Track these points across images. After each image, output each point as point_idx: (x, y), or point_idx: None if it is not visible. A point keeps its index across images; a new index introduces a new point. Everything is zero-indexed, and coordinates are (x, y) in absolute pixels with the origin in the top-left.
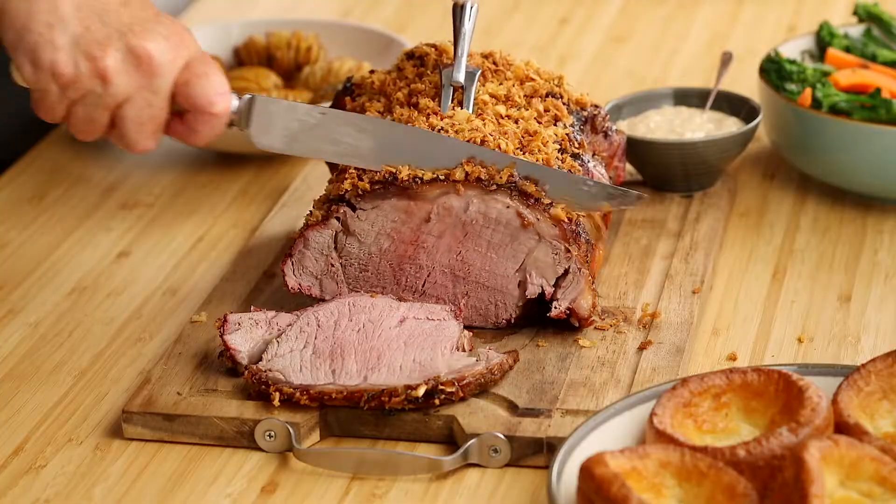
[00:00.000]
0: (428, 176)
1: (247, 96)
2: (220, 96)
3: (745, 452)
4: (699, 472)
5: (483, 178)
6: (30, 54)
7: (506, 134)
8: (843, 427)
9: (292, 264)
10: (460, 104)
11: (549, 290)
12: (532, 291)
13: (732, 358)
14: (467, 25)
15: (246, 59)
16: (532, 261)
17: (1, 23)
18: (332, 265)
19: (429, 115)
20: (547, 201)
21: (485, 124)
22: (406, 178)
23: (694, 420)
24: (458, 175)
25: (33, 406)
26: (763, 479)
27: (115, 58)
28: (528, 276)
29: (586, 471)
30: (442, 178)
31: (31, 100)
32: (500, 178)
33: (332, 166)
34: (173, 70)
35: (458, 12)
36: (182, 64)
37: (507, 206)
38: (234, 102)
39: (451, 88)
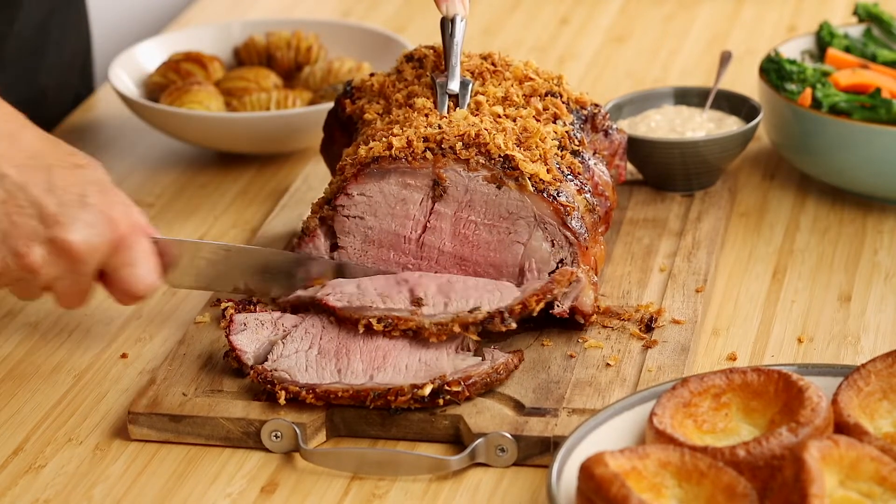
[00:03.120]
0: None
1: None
2: (146, 285)
3: (745, 452)
4: (699, 472)
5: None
6: None
7: (503, 130)
8: (843, 427)
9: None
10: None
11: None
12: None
13: (732, 358)
14: (457, 37)
15: (246, 59)
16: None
17: None
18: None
19: (427, 114)
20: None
21: (482, 122)
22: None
23: (694, 420)
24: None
25: (33, 406)
26: (763, 479)
27: (39, 252)
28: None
29: (586, 471)
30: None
31: None
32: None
33: (333, 168)
34: (98, 255)
35: (446, 25)
36: (108, 247)
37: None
38: None
39: (447, 96)
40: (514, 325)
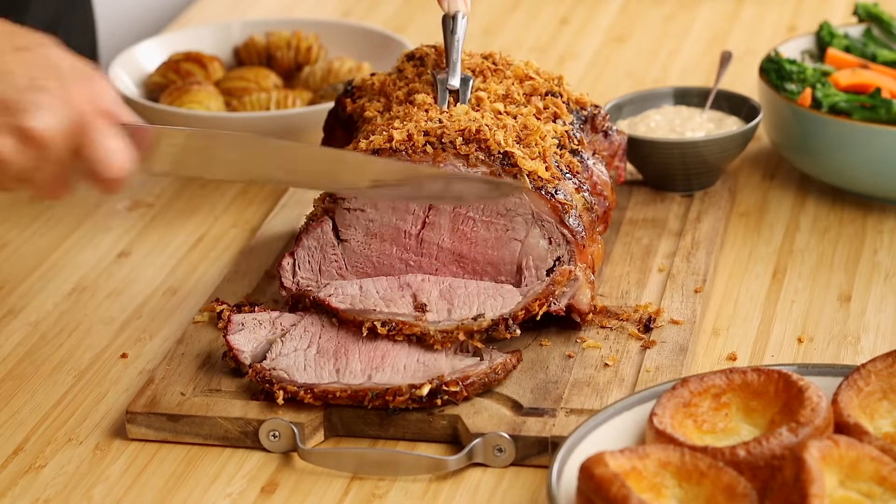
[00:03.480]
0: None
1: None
2: (117, 167)
3: (745, 452)
4: (699, 472)
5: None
6: None
7: (504, 127)
8: (843, 427)
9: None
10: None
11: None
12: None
13: (732, 358)
14: (458, 34)
15: (246, 59)
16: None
17: None
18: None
19: (427, 109)
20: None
21: (482, 117)
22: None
23: (694, 420)
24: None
25: (33, 406)
26: (763, 479)
27: (6, 143)
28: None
29: (586, 471)
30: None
31: None
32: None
33: None
34: (63, 134)
35: (448, 22)
36: (71, 129)
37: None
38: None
39: (447, 92)
40: (518, 333)
